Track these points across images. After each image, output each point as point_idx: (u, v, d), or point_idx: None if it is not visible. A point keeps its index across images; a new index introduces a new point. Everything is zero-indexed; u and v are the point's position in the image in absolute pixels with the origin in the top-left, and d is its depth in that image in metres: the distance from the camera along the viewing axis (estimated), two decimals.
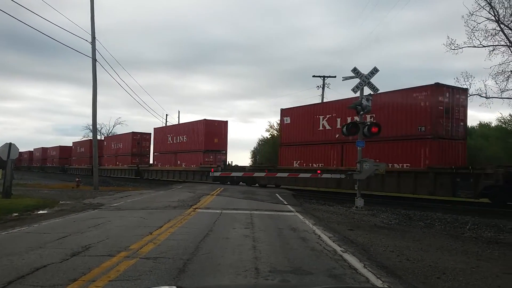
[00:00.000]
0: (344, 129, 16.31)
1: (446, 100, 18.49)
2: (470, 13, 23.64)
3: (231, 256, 6.18)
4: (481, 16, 23.73)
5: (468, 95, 20.83)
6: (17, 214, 11.28)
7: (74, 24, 59.56)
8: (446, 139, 18.53)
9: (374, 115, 20.08)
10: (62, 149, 68.81)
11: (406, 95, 19.49)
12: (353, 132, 15.98)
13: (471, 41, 24.21)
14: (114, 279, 4.76)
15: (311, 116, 24.55)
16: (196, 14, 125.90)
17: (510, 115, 33.90)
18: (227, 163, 33.38)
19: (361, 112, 15.80)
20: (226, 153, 35.64)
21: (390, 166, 18.80)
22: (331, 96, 59.75)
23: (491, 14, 23.44)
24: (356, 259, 6.31)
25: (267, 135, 59.84)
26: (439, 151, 18.24)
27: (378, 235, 9.29)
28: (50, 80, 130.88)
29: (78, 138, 74.97)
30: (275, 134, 56.32)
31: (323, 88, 41.62)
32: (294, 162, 25.50)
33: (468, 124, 21.05)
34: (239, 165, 33.42)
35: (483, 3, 23.28)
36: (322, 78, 41.73)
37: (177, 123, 52.76)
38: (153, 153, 44.16)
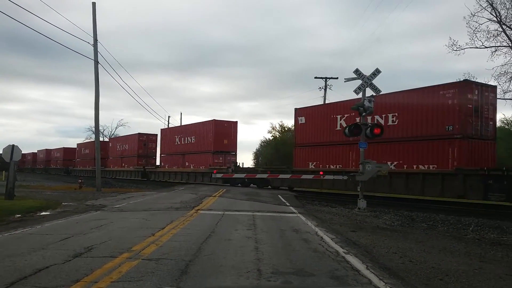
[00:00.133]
0: (347, 130, 16.18)
1: (475, 98, 17.49)
2: (471, 14, 23.65)
3: (233, 258, 6.17)
4: (483, 17, 23.73)
5: None
6: (19, 215, 11.31)
7: (76, 27, 59.79)
8: (475, 139, 17.58)
9: (396, 114, 19.38)
10: (66, 150, 68.51)
11: (432, 93, 18.47)
12: (355, 133, 15.91)
13: (473, 42, 24.20)
14: (116, 280, 4.77)
15: (328, 115, 23.55)
16: (196, 16, 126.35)
17: None
18: (238, 164, 32.58)
19: (363, 113, 15.79)
20: (236, 154, 34.92)
21: (414, 168, 18.28)
22: (333, 97, 59.76)
23: (493, 15, 23.44)
24: (359, 261, 6.29)
25: (269, 136, 59.84)
26: (468, 152, 17.29)
27: (380, 236, 9.26)
28: (52, 82, 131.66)
29: (80, 140, 74.98)
30: (277, 136, 56.36)
31: (325, 90, 41.67)
32: (310, 163, 24.57)
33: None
34: (244, 166, 32.64)
35: (484, 4, 23.29)
36: (324, 79, 41.79)
37: (179, 124, 52.82)
38: (160, 154, 43.67)
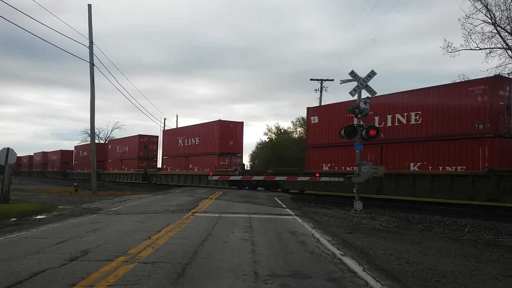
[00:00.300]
0: (342, 132, 16.03)
1: (507, 95, 16.25)
2: (466, 16, 23.88)
3: (230, 260, 6.16)
4: (477, 19, 23.91)
5: None
6: (15, 219, 11.26)
7: (72, 29, 59.56)
8: (507, 138, 16.24)
9: (419, 112, 18.22)
10: (64, 153, 67.48)
11: (459, 89, 17.32)
12: (351, 135, 15.93)
13: (468, 44, 24.39)
14: (112, 284, 4.75)
15: (343, 114, 21.52)
16: (194, 18, 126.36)
17: None
18: (245, 166, 31.82)
19: (359, 115, 15.83)
20: (242, 156, 34.18)
21: (440, 169, 17.19)
22: (329, 99, 59.91)
23: (487, 16, 23.63)
24: (355, 263, 6.30)
25: (265, 138, 59.92)
26: (500, 152, 16.00)
27: (377, 238, 9.28)
28: (47, 85, 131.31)
29: (76, 143, 74.82)
30: (273, 138, 56.45)
31: (320, 92, 41.89)
32: (324, 165, 23.28)
33: None
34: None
35: (479, 6, 23.48)
36: (319, 81, 41.98)
37: (175, 127, 52.66)
38: (162, 156, 42.38)
